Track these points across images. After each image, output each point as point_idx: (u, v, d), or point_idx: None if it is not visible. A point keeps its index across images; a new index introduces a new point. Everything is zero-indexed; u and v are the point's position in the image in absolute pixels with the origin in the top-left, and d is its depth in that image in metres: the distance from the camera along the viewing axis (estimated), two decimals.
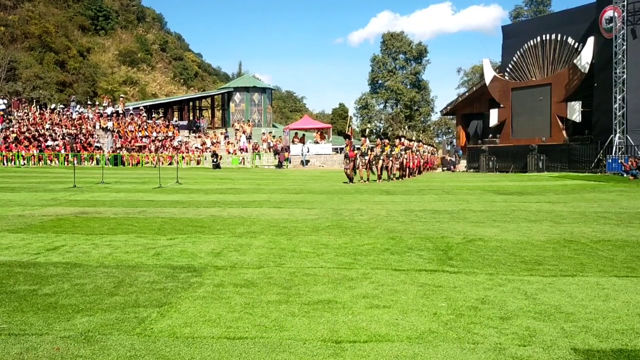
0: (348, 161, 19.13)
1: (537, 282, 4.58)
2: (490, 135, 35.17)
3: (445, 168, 36.50)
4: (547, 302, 4.00)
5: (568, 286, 4.46)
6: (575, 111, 29.61)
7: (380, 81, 73.86)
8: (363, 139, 20.85)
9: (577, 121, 29.70)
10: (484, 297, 4.13)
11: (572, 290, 4.34)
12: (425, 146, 28.39)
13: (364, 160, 19.68)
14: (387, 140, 22.42)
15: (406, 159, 22.69)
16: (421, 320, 3.57)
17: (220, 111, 54.45)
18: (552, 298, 4.10)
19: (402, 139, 23.86)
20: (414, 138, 29.18)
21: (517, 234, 7.16)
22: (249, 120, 46.92)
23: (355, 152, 19.48)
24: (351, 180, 18.80)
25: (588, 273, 4.92)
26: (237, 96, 49.74)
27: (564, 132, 30.37)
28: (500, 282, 4.57)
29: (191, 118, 51.15)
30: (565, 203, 11.47)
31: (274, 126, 50.93)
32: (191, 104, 53.82)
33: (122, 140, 38.72)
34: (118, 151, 36.92)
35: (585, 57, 28.68)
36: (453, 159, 37.45)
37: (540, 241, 6.59)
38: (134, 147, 37.81)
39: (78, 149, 35.49)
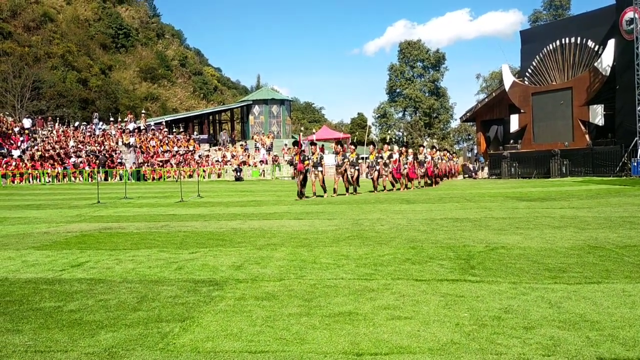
0: (298, 173, 16.58)
1: (562, 290, 4.50)
2: (512, 141, 34.81)
3: (467, 175, 36.21)
4: (572, 310, 3.93)
5: (593, 294, 4.38)
6: (597, 114, 29.20)
7: (398, 89, 73.90)
8: (313, 147, 17.64)
9: (600, 124, 29.28)
10: (507, 306, 4.08)
11: (597, 297, 4.26)
12: (426, 151, 23.93)
13: (316, 172, 17.05)
14: (351, 148, 19.45)
15: (383, 166, 19.68)
16: (443, 331, 3.53)
17: (240, 124, 54.92)
18: (576, 306, 4.03)
19: (388, 145, 21.22)
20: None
21: (541, 241, 7.06)
22: (270, 132, 47.23)
23: (307, 162, 16.78)
24: (300, 194, 16.28)
25: (614, 280, 4.83)
26: (256, 109, 50.14)
27: (586, 136, 29.95)
28: (523, 291, 4.51)
29: (211, 132, 51.69)
30: (589, 208, 11.28)
31: (293, 137, 51.13)
32: (211, 117, 54.42)
33: (145, 155, 39.23)
34: (141, 166, 37.41)
35: (606, 59, 28.32)
36: (475, 166, 37.14)
37: (565, 248, 6.49)
38: (156, 162, 38.29)
39: (108, 166, 36.05)
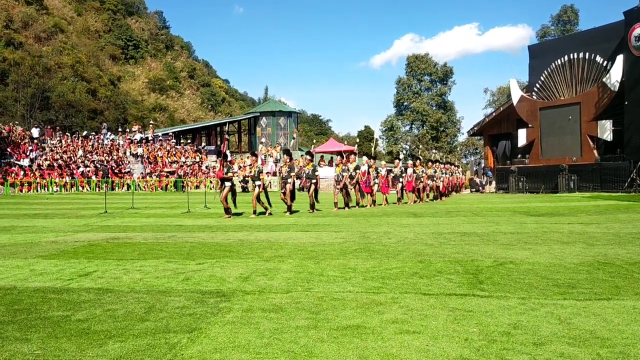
0: (223, 186, 14.43)
1: (571, 306, 4.47)
2: (519, 156, 34.70)
3: (474, 189, 36.11)
4: (582, 326, 3.90)
5: (603, 310, 4.34)
6: (606, 130, 29.10)
7: (405, 103, 73.98)
8: (253, 157, 15.45)
9: (609, 140, 29.15)
10: (516, 322, 4.05)
11: (607, 314, 4.23)
12: (401, 165, 21.46)
13: (253, 186, 14.98)
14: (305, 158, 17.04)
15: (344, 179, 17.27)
16: (452, 347, 3.51)
17: (247, 135, 55.13)
18: (586, 323, 4.00)
19: (355, 157, 19.36)
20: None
21: (550, 256, 7.02)
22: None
23: (230, 174, 14.53)
24: (226, 211, 14.19)
25: (624, 296, 4.79)
26: (263, 120, 50.33)
27: (595, 151, 29.82)
28: (532, 307, 4.48)
29: (218, 143, 51.94)
30: (598, 224, 11.22)
31: (300, 149, 51.22)
32: (218, 129, 54.66)
33: (152, 166, 39.39)
34: (148, 177, 37.56)
35: (615, 75, 28.27)
36: (482, 180, 37.04)
37: (574, 264, 6.45)
38: (163, 172, 38.43)
39: (111, 177, 36.19)
